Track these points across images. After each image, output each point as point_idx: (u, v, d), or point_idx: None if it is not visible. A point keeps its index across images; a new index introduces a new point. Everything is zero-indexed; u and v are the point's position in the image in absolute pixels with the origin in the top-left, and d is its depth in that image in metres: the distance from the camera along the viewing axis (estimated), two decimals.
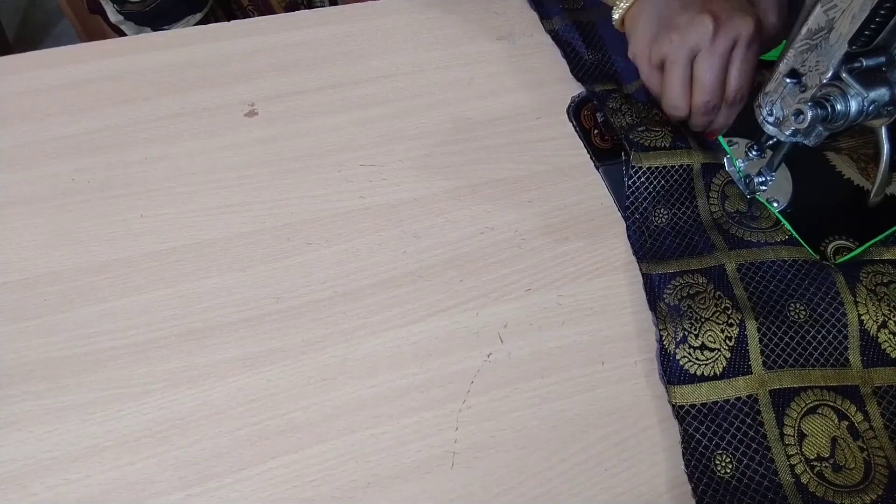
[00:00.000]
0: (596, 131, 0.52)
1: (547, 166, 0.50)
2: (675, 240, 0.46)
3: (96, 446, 0.37)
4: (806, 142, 0.43)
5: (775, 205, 0.49)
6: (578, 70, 0.56)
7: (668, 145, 0.48)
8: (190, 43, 0.55)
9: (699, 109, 0.47)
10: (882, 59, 0.38)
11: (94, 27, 0.90)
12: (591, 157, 0.51)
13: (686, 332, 0.41)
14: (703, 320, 0.41)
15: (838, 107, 0.39)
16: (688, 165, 0.48)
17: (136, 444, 0.37)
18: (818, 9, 0.39)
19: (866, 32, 0.37)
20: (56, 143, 0.49)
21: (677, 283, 0.43)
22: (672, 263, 0.45)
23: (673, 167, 0.48)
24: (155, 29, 0.78)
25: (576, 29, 0.59)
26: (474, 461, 0.38)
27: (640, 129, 0.49)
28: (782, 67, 0.43)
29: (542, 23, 0.59)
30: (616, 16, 0.51)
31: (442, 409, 0.39)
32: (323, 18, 0.58)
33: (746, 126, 0.49)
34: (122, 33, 0.78)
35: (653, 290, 0.44)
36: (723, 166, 0.49)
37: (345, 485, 0.36)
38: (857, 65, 0.38)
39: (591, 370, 0.41)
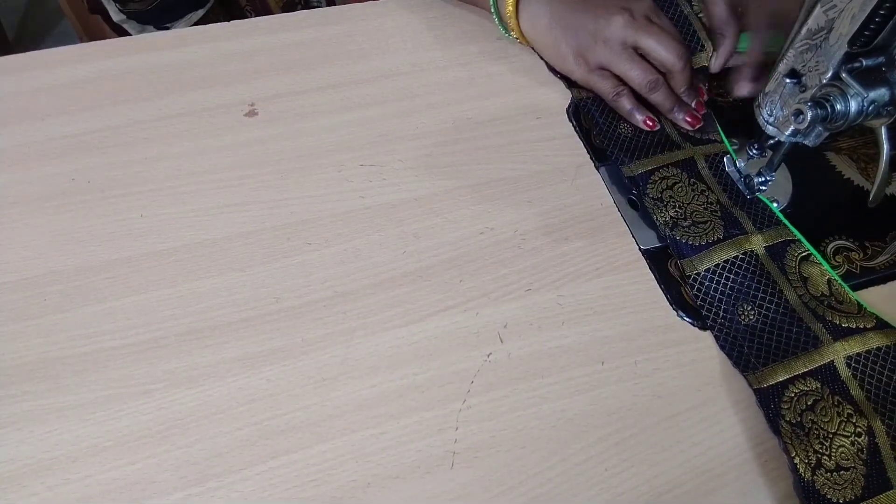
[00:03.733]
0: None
1: (547, 166, 0.50)
2: (773, 338, 0.42)
3: (96, 446, 0.37)
4: (806, 142, 0.43)
5: (775, 205, 0.49)
6: (609, 142, 0.51)
7: (722, 236, 0.45)
8: (190, 43, 0.55)
9: (677, 65, 0.49)
10: (882, 59, 0.38)
11: (94, 27, 0.90)
12: (590, 157, 0.51)
13: (819, 454, 0.38)
14: (830, 436, 0.38)
15: (838, 107, 0.39)
16: (751, 252, 0.45)
17: (136, 444, 0.37)
18: (818, 9, 0.39)
19: (866, 32, 0.37)
20: (56, 143, 0.49)
21: (793, 394, 0.40)
22: (779, 369, 0.40)
23: (737, 258, 0.44)
24: (157, 27, 0.78)
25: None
26: (474, 461, 0.38)
27: (685, 224, 0.46)
28: (782, 67, 0.43)
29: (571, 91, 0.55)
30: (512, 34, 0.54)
31: (442, 409, 0.39)
32: (323, 18, 0.58)
33: (746, 126, 0.49)
34: (124, 33, 0.78)
35: (769, 406, 0.39)
36: (790, 242, 0.46)
37: (345, 485, 0.36)
38: (856, 65, 0.38)
39: (591, 370, 0.41)
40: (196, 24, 0.78)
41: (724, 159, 0.50)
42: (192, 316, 0.41)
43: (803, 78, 0.41)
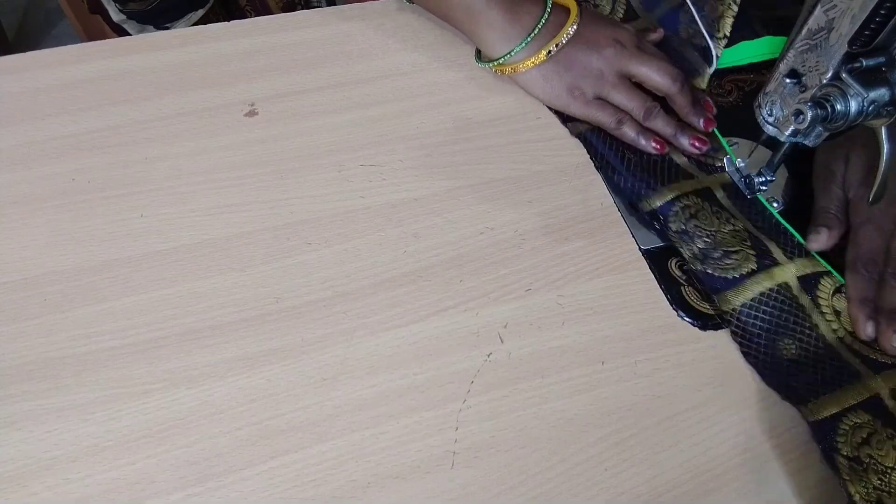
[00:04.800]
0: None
1: (547, 166, 0.50)
2: (818, 372, 0.41)
3: (96, 446, 0.37)
4: (806, 142, 0.43)
5: (775, 205, 0.49)
6: (620, 176, 0.49)
7: (755, 267, 0.44)
8: (190, 43, 0.55)
9: (675, 87, 0.49)
10: (882, 59, 0.38)
11: (94, 27, 0.90)
12: (591, 157, 0.51)
13: (879, 491, 0.36)
14: (889, 471, 0.37)
15: (838, 107, 0.39)
16: (785, 284, 0.44)
17: (136, 444, 0.37)
18: (818, 9, 0.39)
19: (866, 32, 0.37)
20: (56, 143, 0.49)
21: (847, 426, 0.39)
22: (830, 402, 0.39)
23: (772, 290, 0.43)
24: (157, 27, 0.78)
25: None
26: (474, 461, 0.38)
27: (714, 256, 0.44)
28: (782, 67, 0.43)
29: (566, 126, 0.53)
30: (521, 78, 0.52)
31: (442, 409, 0.39)
32: (323, 18, 0.58)
33: (747, 126, 0.49)
34: (124, 32, 0.78)
35: (825, 440, 0.38)
36: (822, 275, 0.45)
37: (345, 485, 0.36)
38: (856, 65, 0.38)
39: (591, 370, 0.41)
40: (196, 24, 0.78)
41: (725, 160, 0.50)
42: (192, 316, 0.41)
43: (803, 78, 0.41)
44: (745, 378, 0.42)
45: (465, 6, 0.50)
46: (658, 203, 0.47)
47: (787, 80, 0.42)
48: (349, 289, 0.43)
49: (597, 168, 0.50)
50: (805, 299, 0.43)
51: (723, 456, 0.39)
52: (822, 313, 0.43)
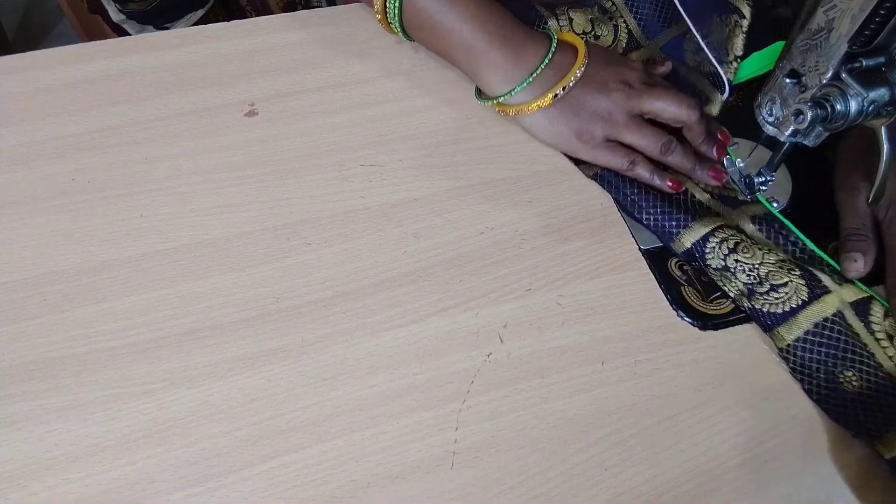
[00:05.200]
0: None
1: (547, 166, 0.50)
2: (883, 403, 0.39)
3: (96, 446, 0.37)
4: (806, 142, 0.43)
5: (775, 205, 0.49)
6: (646, 214, 0.47)
7: (806, 298, 0.42)
8: (190, 43, 0.55)
9: (693, 116, 0.47)
10: (882, 59, 0.38)
11: (94, 27, 0.90)
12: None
13: None
14: None
15: (838, 107, 0.39)
16: (839, 313, 0.42)
17: (136, 444, 0.37)
18: (818, 9, 0.39)
19: (866, 32, 0.37)
20: (56, 143, 0.49)
21: None
22: None
23: (826, 321, 0.41)
24: (157, 27, 0.78)
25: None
26: (474, 461, 0.38)
27: (762, 290, 0.42)
28: (782, 67, 0.43)
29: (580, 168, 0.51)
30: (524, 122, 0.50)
31: (442, 409, 0.39)
32: (323, 18, 0.58)
33: (747, 126, 0.49)
34: (123, 33, 0.78)
35: None
36: (870, 299, 0.43)
37: (345, 485, 0.36)
38: (856, 65, 0.38)
39: (591, 370, 0.41)
40: (196, 24, 0.78)
41: (724, 160, 0.50)
42: (192, 316, 0.41)
43: (803, 78, 0.41)
44: (745, 378, 0.42)
45: (466, 46, 0.48)
46: (691, 240, 0.45)
47: (787, 80, 0.42)
48: (349, 289, 0.43)
49: (621, 210, 0.47)
50: (859, 326, 0.42)
51: (723, 456, 0.39)
52: (878, 339, 0.41)
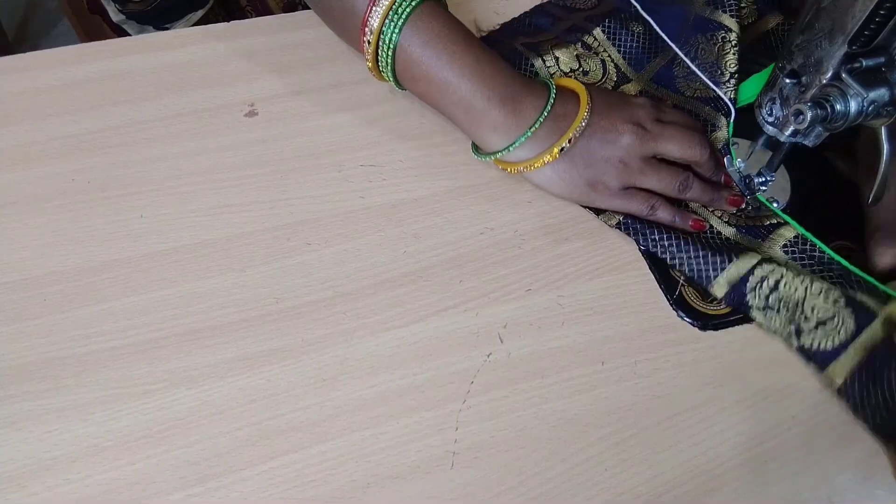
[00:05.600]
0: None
1: None
2: None
3: (96, 446, 0.37)
4: (806, 142, 0.43)
5: (775, 205, 0.49)
6: (679, 260, 0.45)
7: (854, 328, 0.40)
8: (190, 43, 0.55)
9: (704, 155, 0.47)
10: (882, 59, 0.38)
11: (94, 27, 0.90)
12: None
13: None
14: None
15: (838, 107, 0.39)
16: (888, 339, 0.40)
17: (136, 444, 0.37)
18: (819, 9, 0.39)
19: (866, 32, 0.37)
20: (56, 143, 0.49)
21: None
22: None
23: (876, 348, 0.40)
24: (157, 27, 0.78)
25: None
26: (474, 461, 0.38)
27: (808, 326, 0.41)
28: (782, 67, 0.43)
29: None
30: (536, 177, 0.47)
31: (442, 409, 0.39)
32: None
33: (747, 126, 0.49)
34: (123, 33, 0.78)
35: None
36: None
37: (345, 485, 0.36)
38: (856, 65, 0.38)
39: (591, 370, 0.41)
40: (196, 24, 0.78)
41: (725, 160, 0.49)
42: (192, 316, 0.41)
43: (803, 78, 0.41)
44: (745, 378, 0.42)
45: (465, 105, 0.45)
46: (729, 282, 0.43)
47: (787, 80, 0.42)
48: (349, 289, 0.43)
49: (649, 263, 0.45)
50: None
51: (723, 456, 0.39)
52: None
